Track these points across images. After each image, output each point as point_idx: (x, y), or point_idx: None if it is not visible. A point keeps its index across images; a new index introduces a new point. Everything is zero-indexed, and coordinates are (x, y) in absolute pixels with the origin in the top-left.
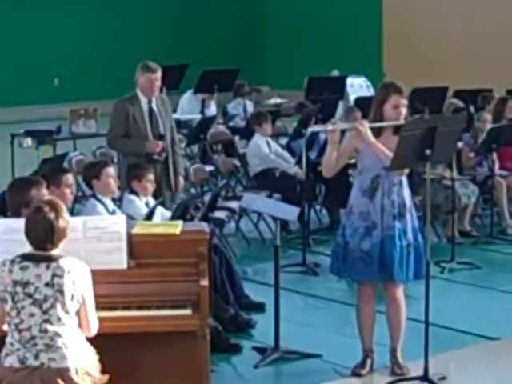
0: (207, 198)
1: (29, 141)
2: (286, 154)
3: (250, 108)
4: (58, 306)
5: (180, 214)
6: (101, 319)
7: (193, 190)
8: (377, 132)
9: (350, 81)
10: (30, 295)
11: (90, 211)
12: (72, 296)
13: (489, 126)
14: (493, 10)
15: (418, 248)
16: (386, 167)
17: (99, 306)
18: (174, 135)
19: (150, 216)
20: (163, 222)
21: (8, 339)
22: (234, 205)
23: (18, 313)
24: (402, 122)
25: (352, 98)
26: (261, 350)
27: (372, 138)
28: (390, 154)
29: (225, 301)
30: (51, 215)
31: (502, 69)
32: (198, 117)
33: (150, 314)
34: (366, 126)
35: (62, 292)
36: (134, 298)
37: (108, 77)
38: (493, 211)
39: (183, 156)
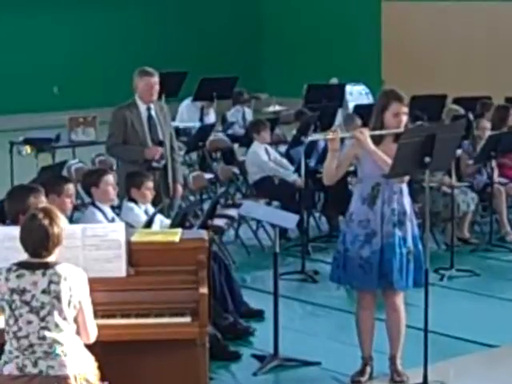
0: (206, 205)
1: (28, 149)
2: (285, 162)
3: (249, 116)
4: (56, 312)
5: (179, 221)
6: (100, 327)
7: (192, 198)
8: (377, 140)
9: (349, 88)
10: (27, 303)
11: (89, 219)
12: (69, 302)
13: (488, 133)
14: (491, 17)
15: (418, 256)
16: (385, 175)
17: (98, 314)
18: (173, 143)
19: (149, 224)
20: (162, 230)
21: (7, 347)
22: (233, 212)
23: (16, 321)
24: (401, 129)
25: (351, 105)
26: (260, 358)
27: (372, 146)
28: (390, 162)
29: (224, 308)
30: (45, 222)
31: (501, 76)
32: (197, 124)
33: (149, 321)
34: (365, 134)
35: (58, 299)
36: (133, 305)
37: (107, 85)
38: (492, 219)
39: (182, 163)
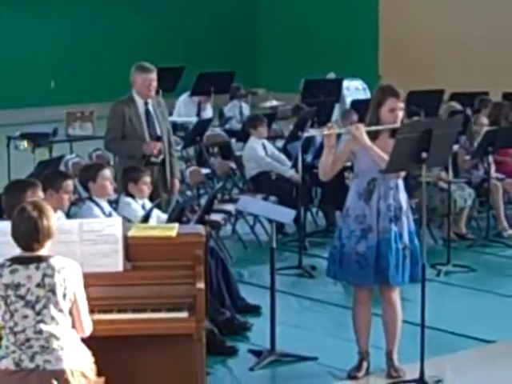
0: (203, 200)
1: (25, 143)
2: (282, 157)
3: (246, 110)
4: (51, 305)
5: (176, 216)
6: (96, 322)
7: (189, 193)
8: (374, 135)
9: (346, 83)
10: (21, 297)
11: (86, 214)
12: (64, 295)
13: (485, 129)
14: (489, 13)
15: (414, 251)
16: (381, 170)
17: (95, 309)
18: (170, 138)
19: (146, 218)
20: (159, 225)
21: (3, 342)
22: (230, 207)
23: (12, 316)
24: (398, 125)
25: (348, 100)
26: (257, 353)
27: (368, 142)
28: (386, 158)
29: (221, 303)
30: (34, 214)
31: (499, 72)
32: (195, 119)
33: (145, 316)
34: (361, 130)
35: (53, 292)
36: (130, 300)
37: (104, 79)
38: (489, 214)
39: (179, 158)
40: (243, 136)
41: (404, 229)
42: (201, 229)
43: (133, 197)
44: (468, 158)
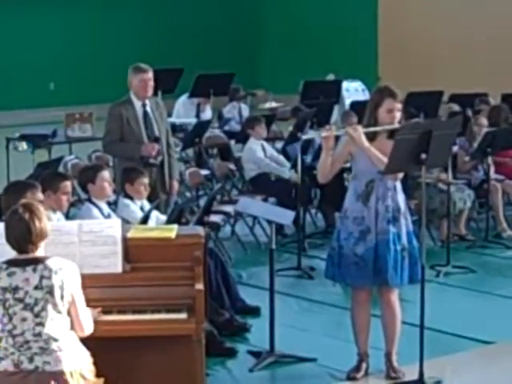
0: (202, 201)
1: (24, 145)
2: (282, 158)
3: (246, 112)
4: (50, 307)
5: (175, 217)
6: (96, 323)
7: (188, 194)
8: (371, 136)
9: (345, 85)
10: (20, 300)
11: (85, 215)
12: (62, 296)
13: (485, 130)
14: (488, 14)
15: (413, 252)
16: (380, 171)
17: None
18: (169, 139)
19: (145, 220)
20: (158, 226)
21: (2, 344)
22: (229, 209)
23: (11, 319)
24: (396, 126)
25: (347, 102)
26: (256, 354)
27: (366, 143)
28: (384, 159)
29: (220, 305)
30: (26, 215)
31: (498, 73)
32: (194, 121)
33: (145, 317)
34: (359, 131)
35: (51, 293)
36: (129, 301)
37: (103, 81)
38: (488, 215)
39: (178, 160)
40: (242, 137)
41: (402, 230)
42: (200, 230)
43: (131, 198)
44: (467, 159)
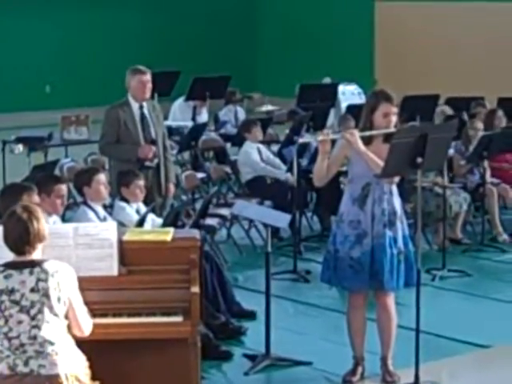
0: (198, 204)
1: (20, 147)
2: (278, 161)
3: (242, 115)
4: (46, 310)
5: (171, 220)
6: (92, 326)
7: (184, 197)
8: (367, 140)
9: (341, 88)
10: (16, 302)
11: (80, 218)
12: (58, 298)
13: (480, 133)
14: (485, 17)
15: (409, 256)
16: (377, 175)
17: (90, 313)
18: (165, 142)
19: (141, 223)
20: (154, 229)
21: None
22: (225, 212)
23: (6, 321)
24: (392, 129)
25: (344, 105)
26: (251, 357)
27: (362, 147)
28: (381, 163)
29: (216, 308)
30: (24, 217)
31: (494, 77)
32: (190, 124)
33: (140, 320)
34: (355, 135)
35: (47, 296)
36: (125, 304)
37: (100, 84)
38: (484, 219)
39: (174, 163)
40: (238, 140)
41: (398, 234)
42: (196, 233)
43: (127, 201)
44: (463, 162)
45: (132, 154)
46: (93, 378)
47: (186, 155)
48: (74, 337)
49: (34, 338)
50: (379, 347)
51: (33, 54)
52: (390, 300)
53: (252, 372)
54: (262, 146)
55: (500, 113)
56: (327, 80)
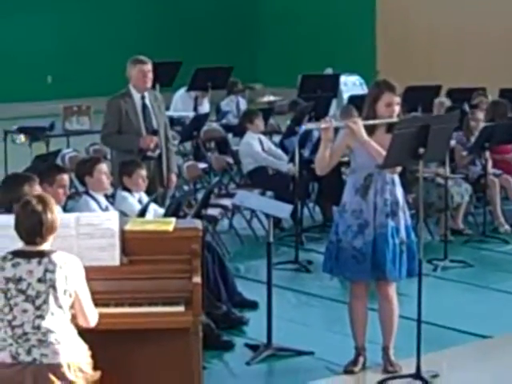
0: (200, 195)
1: (22, 137)
2: (279, 152)
3: (243, 105)
4: (51, 301)
5: (173, 211)
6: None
7: (186, 187)
8: (370, 130)
9: (343, 79)
10: (22, 291)
11: (82, 208)
12: (65, 291)
13: (482, 124)
14: (486, 8)
15: (411, 246)
16: (378, 165)
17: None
18: (167, 132)
19: (143, 213)
20: (156, 219)
21: (0, 335)
22: (227, 202)
23: (11, 309)
24: (395, 119)
25: (345, 96)
26: (253, 347)
27: (365, 136)
28: (383, 152)
29: (217, 298)
30: (39, 208)
31: (496, 68)
32: (191, 114)
33: (142, 310)
34: (359, 124)
35: (54, 287)
36: (127, 294)
37: (101, 74)
38: (485, 210)
39: (176, 153)
40: (240, 131)
41: (401, 224)
42: (198, 223)
43: (129, 191)
44: (465, 153)
45: (133, 144)
46: (95, 368)
47: (188, 145)
48: (77, 326)
49: (38, 327)
50: (381, 337)
51: (34, 45)
52: (392, 290)
53: (254, 362)
54: (263, 137)
55: (506, 101)
56: (329, 71)
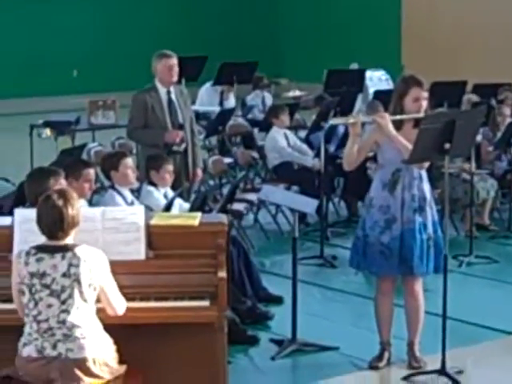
0: (226, 189)
1: (48, 131)
2: (305, 147)
3: (269, 100)
4: (76, 295)
5: (198, 205)
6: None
7: (211, 182)
8: (397, 125)
9: (369, 74)
10: (47, 286)
11: (108, 202)
12: (89, 285)
13: (508, 120)
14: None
15: (438, 241)
16: (404, 160)
17: None
18: (193, 127)
19: (168, 207)
20: (182, 214)
21: (26, 329)
22: (252, 197)
23: (36, 304)
24: (422, 114)
25: (371, 91)
26: (278, 342)
27: (393, 131)
28: (411, 147)
29: (242, 293)
30: (60, 202)
31: None
32: (217, 109)
33: (167, 305)
34: (386, 119)
35: (79, 281)
36: (152, 289)
37: (127, 68)
38: (511, 205)
39: (201, 148)
40: (265, 126)
41: (428, 219)
42: (223, 218)
43: (155, 185)
44: (491, 149)
45: (159, 138)
46: (120, 362)
47: (214, 140)
48: (102, 320)
49: (63, 322)
50: (406, 333)
51: (60, 39)
52: (418, 286)
53: (278, 357)
54: (288, 132)
55: None
56: (354, 66)
